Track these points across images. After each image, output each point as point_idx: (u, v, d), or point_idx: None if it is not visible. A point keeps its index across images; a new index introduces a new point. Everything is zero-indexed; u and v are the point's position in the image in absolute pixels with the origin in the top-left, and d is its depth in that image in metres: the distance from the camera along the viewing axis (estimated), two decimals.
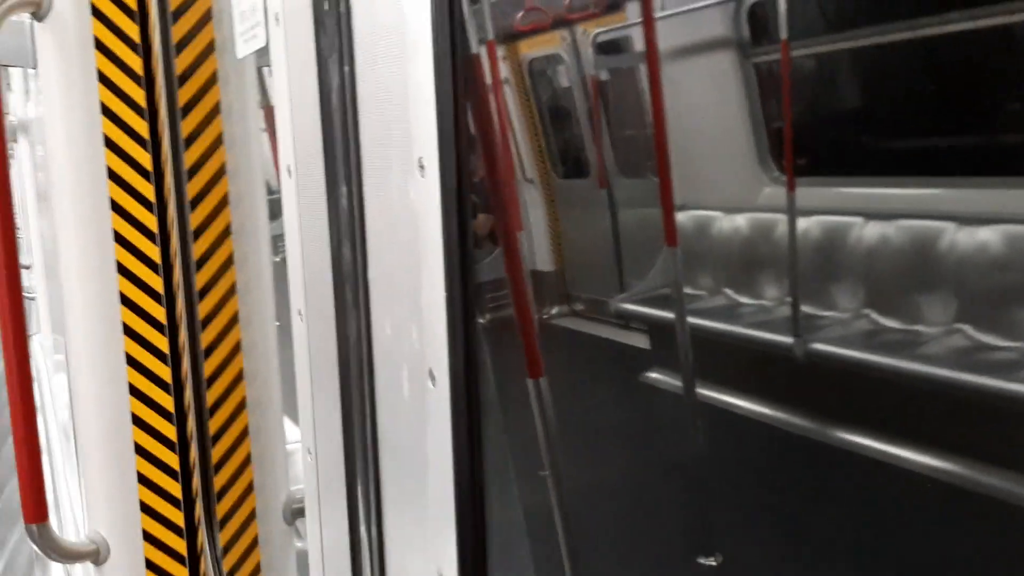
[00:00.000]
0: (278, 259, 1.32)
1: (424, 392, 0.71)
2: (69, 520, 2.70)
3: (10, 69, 4.52)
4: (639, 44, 6.25)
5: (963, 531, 3.49)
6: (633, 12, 6.25)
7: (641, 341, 6.16)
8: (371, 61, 0.75)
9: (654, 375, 5.72)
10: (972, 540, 3.40)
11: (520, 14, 5.68)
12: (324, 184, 0.86)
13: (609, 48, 6.72)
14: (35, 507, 1.57)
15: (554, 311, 7.72)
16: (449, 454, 0.67)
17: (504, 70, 7.27)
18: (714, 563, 3.61)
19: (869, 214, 4.79)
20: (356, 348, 0.84)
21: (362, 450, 0.85)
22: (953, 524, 3.59)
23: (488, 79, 4.99)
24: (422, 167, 0.67)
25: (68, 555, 1.69)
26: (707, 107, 5.69)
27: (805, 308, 4.82)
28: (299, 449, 1.08)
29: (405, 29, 0.67)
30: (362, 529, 0.87)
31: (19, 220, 5.92)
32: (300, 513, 1.66)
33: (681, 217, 5.93)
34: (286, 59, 0.93)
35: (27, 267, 5.66)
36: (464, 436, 0.67)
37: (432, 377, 0.70)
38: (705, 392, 4.96)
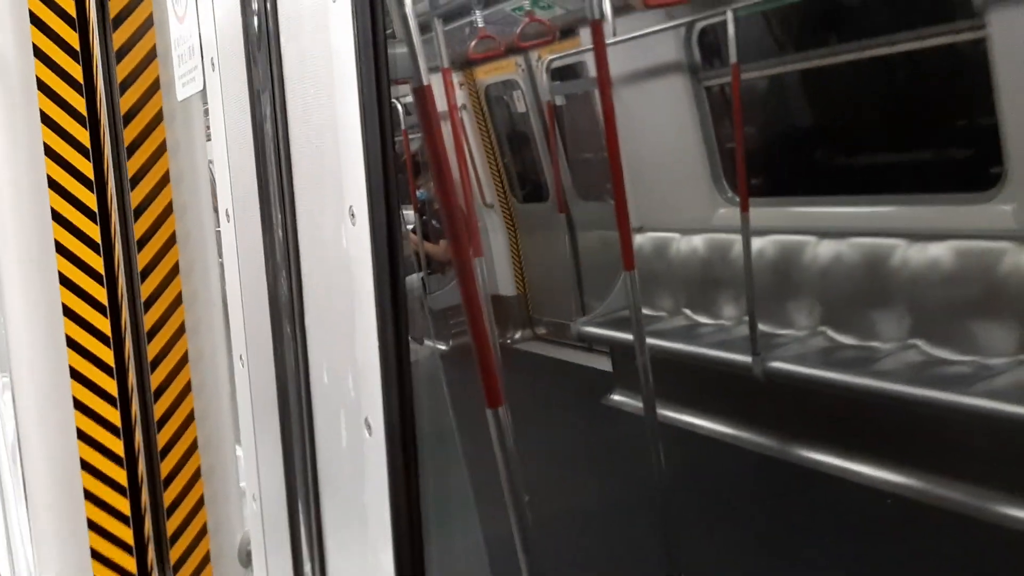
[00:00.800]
0: None
1: (361, 442, 0.71)
2: (24, 570, 2.64)
3: None
4: (592, 70, 6.31)
5: (921, 543, 3.53)
6: (586, 38, 6.31)
7: (603, 364, 6.18)
8: (301, 108, 0.76)
9: (616, 397, 5.74)
10: (930, 552, 3.44)
11: (473, 43, 5.71)
12: (260, 229, 0.86)
13: (563, 74, 6.78)
14: None
15: (517, 335, 7.73)
16: (386, 503, 0.67)
17: (461, 96, 7.30)
18: None
19: (822, 232, 4.86)
20: (296, 395, 0.84)
21: (304, 496, 0.85)
22: (911, 536, 3.62)
23: (444, 106, 5.01)
24: (353, 215, 0.68)
25: None
26: (661, 131, 5.75)
27: (763, 327, 4.86)
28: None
29: (331, 77, 0.68)
30: (306, 572, 0.87)
31: None
32: None
33: (639, 239, 5.98)
34: (222, 104, 0.93)
35: None
36: (401, 485, 0.67)
37: (368, 427, 0.70)
38: (667, 413, 4.98)
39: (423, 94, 2.11)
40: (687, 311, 5.76)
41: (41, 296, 1.61)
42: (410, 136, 7.47)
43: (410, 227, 7.41)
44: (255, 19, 0.85)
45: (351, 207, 0.68)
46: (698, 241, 5.70)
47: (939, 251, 4.25)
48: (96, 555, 1.62)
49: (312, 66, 0.73)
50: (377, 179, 0.64)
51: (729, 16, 4.57)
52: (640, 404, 3.84)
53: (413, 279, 6.98)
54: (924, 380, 4.03)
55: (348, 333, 0.71)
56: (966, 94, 4.33)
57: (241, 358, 0.99)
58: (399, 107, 7.23)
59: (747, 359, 4.70)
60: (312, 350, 0.81)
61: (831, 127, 5.30)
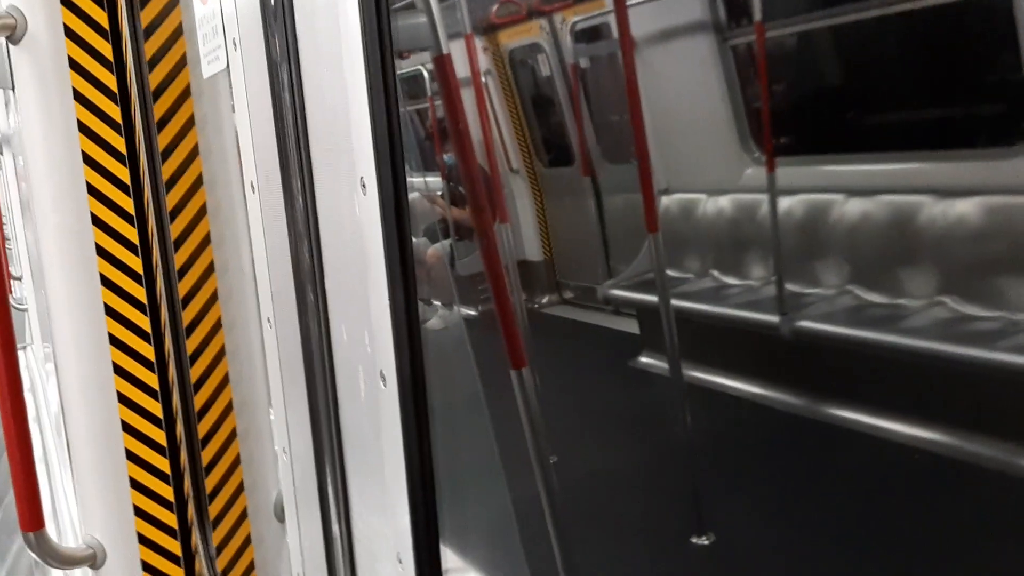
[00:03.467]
0: None
1: (377, 392, 0.77)
2: (68, 528, 2.75)
3: None
4: (617, 30, 6.28)
5: (951, 499, 3.55)
6: None
7: (630, 326, 6.22)
8: (316, 87, 0.81)
9: (644, 359, 5.78)
10: (960, 507, 3.46)
11: (496, 7, 5.71)
12: (282, 200, 0.92)
13: (587, 35, 6.76)
14: (31, 515, 1.62)
15: (544, 300, 7.77)
16: (400, 448, 0.74)
17: (485, 61, 7.29)
18: (706, 542, 3.66)
19: (850, 191, 4.84)
20: (319, 353, 0.90)
21: (329, 447, 0.91)
22: (941, 493, 3.65)
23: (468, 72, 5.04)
24: (364, 186, 0.73)
25: (66, 560, 1.74)
26: (687, 91, 5.73)
27: (790, 286, 4.88)
28: None
29: (340, 57, 0.73)
30: (332, 518, 0.93)
31: (8, 230, 5.94)
32: None
33: (665, 201, 5.99)
34: (244, 83, 0.98)
35: (18, 278, 5.69)
36: (412, 431, 0.73)
37: (383, 378, 0.76)
38: (695, 374, 5.01)
39: (443, 63, 2.16)
40: (714, 272, 5.77)
41: (79, 269, 1.68)
42: (436, 102, 7.49)
43: (438, 193, 7.45)
44: None
45: (362, 178, 0.74)
46: (725, 202, 5.70)
47: (967, 207, 4.23)
48: (139, 512, 1.70)
49: (324, 44, 0.78)
50: (384, 151, 0.70)
51: None
52: (667, 365, 3.88)
53: (445, 245, 7.03)
54: (952, 336, 4.03)
55: (363, 294, 0.77)
56: (995, 48, 4.28)
57: (268, 321, 1.05)
58: (424, 74, 7.25)
59: (775, 319, 4.72)
60: (332, 311, 0.87)
61: (857, 84, 5.25)
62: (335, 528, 0.94)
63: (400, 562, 0.76)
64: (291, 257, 0.93)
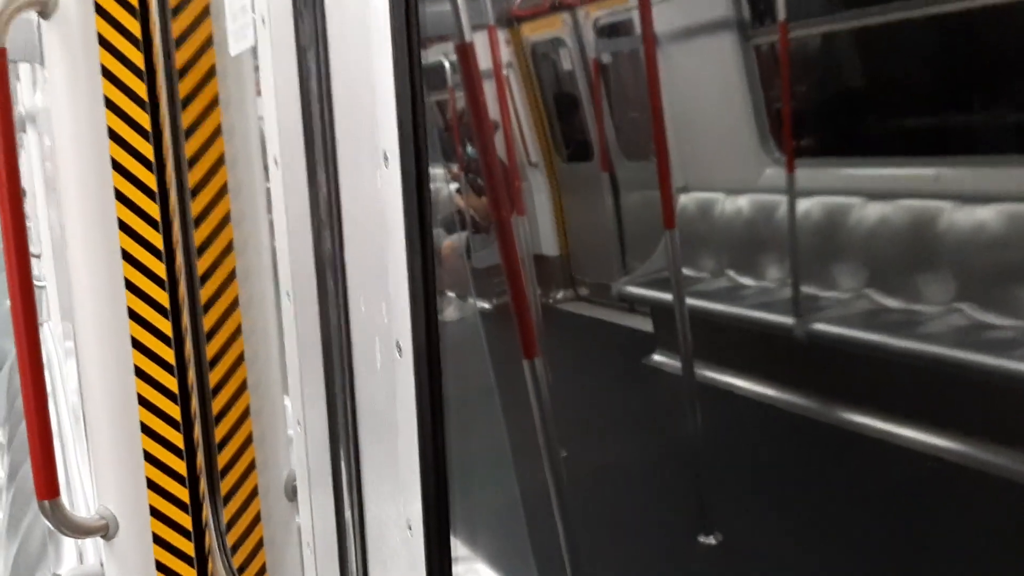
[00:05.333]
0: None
1: (393, 362, 0.79)
2: (80, 500, 2.79)
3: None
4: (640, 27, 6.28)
5: (965, 510, 3.55)
6: None
7: (644, 325, 6.22)
8: (342, 62, 0.84)
9: (657, 358, 5.78)
10: (974, 518, 3.46)
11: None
12: (306, 174, 0.94)
13: (611, 31, 6.76)
14: (47, 484, 1.65)
15: (559, 295, 7.78)
16: (414, 417, 0.76)
17: (507, 54, 7.31)
18: (713, 542, 3.68)
19: (869, 194, 4.83)
20: (337, 325, 0.93)
21: (344, 419, 0.93)
22: (954, 503, 3.64)
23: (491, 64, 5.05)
24: (386, 159, 0.75)
25: (79, 530, 1.76)
26: (708, 90, 5.72)
27: (806, 289, 4.87)
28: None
29: (368, 32, 0.75)
30: (344, 490, 0.95)
31: (28, 209, 5.99)
32: None
33: (683, 199, 5.98)
34: (271, 59, 1.00)
35: (37, 256, 5.74)
36: (426, 400, 0.75)
37: (399, 348, 0.78)
38: (709, 374, 5.01)
39: (465, 51, 2.17)
40: (730, 272, 5.77)
41: (101, 243, 1.70)
42: (457, 93, 7.51)
43: (455, 187, 7.47)
44: None
45: (385, 152, 0.75)
46: (743, 202, 5.69)
47: (987, 214, 4.21)
48: (152, 485, 1.72)
49: (353, 19, 0.80)
50: (407, 124, 0.72)
51: None
52: (680, 364, 3.89)
53: (461, 237, 7.04)
54: (968, 344, 4.02)
55: (382, 265, 0.79)
56: (1019, 54, 4.25)
57: (288, 294, 1.07)
58: (447, 65, 7.26)
59: (789, 321, 4.72)
60: (351, 283, 0.89)
61: (880, 87, 5.24)
62: (346, 500, 0.96)
63: (410, 528, 0.78)
64: (312, 230, 0.95)
